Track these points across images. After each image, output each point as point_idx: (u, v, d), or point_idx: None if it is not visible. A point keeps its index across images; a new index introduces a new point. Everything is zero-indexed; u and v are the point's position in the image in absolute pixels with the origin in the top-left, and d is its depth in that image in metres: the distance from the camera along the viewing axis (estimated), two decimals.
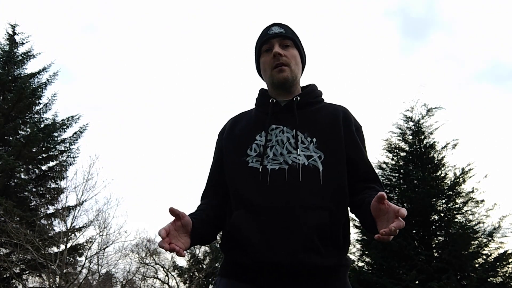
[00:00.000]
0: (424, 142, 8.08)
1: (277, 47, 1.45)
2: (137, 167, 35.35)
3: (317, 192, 1.29)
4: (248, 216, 1.29)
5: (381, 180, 1.45)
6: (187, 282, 21.03)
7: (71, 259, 12.07)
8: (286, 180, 1.30)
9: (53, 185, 12.73)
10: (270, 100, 1.47)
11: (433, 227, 7.40)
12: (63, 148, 13.07)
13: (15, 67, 13.32)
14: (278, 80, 1.45)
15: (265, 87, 1.59)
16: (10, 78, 12.99)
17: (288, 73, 1.45)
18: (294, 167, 1.32)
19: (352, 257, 7.94)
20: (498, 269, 6.84)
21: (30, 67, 18.36)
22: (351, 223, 8.67)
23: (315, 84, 1.59)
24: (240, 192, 1.34)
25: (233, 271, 1.30)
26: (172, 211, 1.17)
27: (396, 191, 7.89)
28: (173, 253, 1.14)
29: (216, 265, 20.76)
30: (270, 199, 1.28)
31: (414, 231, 7.47)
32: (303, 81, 1.61)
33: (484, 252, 7.10)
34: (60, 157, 13.02)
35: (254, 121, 1.48)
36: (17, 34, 13.56)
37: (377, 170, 8.19)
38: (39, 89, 13.21)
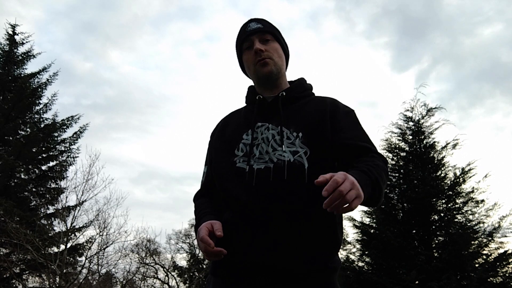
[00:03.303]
0: (424, 142, 8.07)
1: (257, 43, 1.43)
2: (137, 166, 35.33)
3: (302, 190, 1.26)
4: (235, 216, 1.28)
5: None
6: (187, 282, 21.03)
7: (71, 259, 12.06)
8: (272, 179, 1.27)
9: (53, 185, 12.71)
10: (257, 97, 1.45)
11: (433, 227, 7.40)
12: (63, 148, 13.08)
13: (15, 67, 13.31)
14: (262, 74, 1.43)
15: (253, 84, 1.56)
16: (10, 78, 13.00)
17: (272, 66, 1.43)
18: (279, 165, 1.29)
19: (352, 257, 7.95)
20: (498, 269, 6.83)
21: (30, 67, 18.39)
22: (350, 223, 8.59)
23: (303, 78, 1.55)
24: (228, 193, 1.33)
25: (221, 270, 1.30)
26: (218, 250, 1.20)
27: (396, 191, 7.88)
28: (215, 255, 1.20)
29: None
30: (255, 199, 1.26)
31: (414, 231, 7.47)
32: (296, 75, 1.59)
33: (484, 252, 7.08)
34: (60, 157, 13.02)
35: (242, 120, 1.47)
36: (17, 34, 13.56)
37: None
38: (39, 89, 13.19)
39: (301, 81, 1.53)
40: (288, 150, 1.31)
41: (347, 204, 1.01)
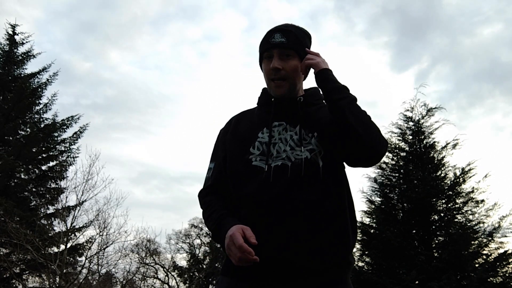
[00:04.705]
0: (424, 142, 8.07)
1: (276, 61, 1.41)
2: (137, 166, 35.34)
3: (318, 186, 1.30)
4: (251, 213, 1.30)
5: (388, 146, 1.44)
6: (187, 282, 21.06)
7: (71, 259, 12.06)
8: (289, 175, 1.31)
9: (53, 185, 12.71)
10: (272, 99, 1.46)
11: (433, 227, 7.40)
12: (63, 148, 13.08)
13: (15, 67, 13.31)
14: (275, 94, 1.45)
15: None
16: (10, 78, 12.99)
17: (285, 89, 1.43)
18: (296, 163, 1.33)
19: None
20: (498, 269, 6.83)
21: (30, 67, 18.37)
22: None
23: (318, 87, 1.57)
24: (242, 191, 1.35)
25: (234, 269, 1.30)
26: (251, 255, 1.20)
27: (396, 191, 7.89)
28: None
29: (216, 265, 20.76)
30: (272, 196, 1.29)
31: (414, 231, 7.48)
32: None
33: (484, 252, 7.09)
34: (60, 157, 13.02)
35: (257, 119, 1.49)
36: (17, 34, 13.55)
37: (377, 170, 8.22)
38: (39, 89, 13.19)
39: (316, 90, 1.56)
40: (305, 150, 1.35)
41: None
